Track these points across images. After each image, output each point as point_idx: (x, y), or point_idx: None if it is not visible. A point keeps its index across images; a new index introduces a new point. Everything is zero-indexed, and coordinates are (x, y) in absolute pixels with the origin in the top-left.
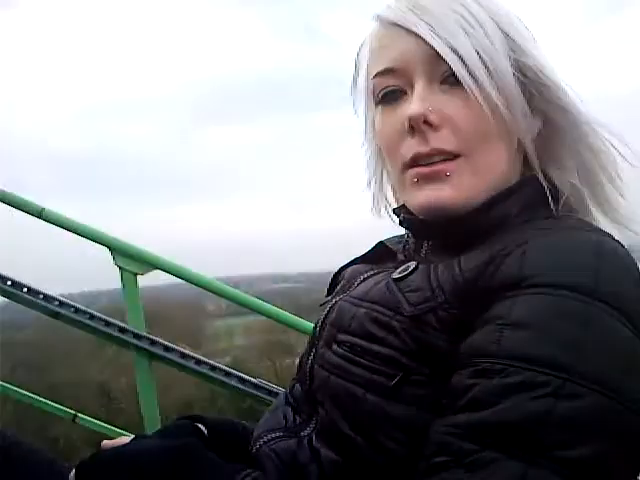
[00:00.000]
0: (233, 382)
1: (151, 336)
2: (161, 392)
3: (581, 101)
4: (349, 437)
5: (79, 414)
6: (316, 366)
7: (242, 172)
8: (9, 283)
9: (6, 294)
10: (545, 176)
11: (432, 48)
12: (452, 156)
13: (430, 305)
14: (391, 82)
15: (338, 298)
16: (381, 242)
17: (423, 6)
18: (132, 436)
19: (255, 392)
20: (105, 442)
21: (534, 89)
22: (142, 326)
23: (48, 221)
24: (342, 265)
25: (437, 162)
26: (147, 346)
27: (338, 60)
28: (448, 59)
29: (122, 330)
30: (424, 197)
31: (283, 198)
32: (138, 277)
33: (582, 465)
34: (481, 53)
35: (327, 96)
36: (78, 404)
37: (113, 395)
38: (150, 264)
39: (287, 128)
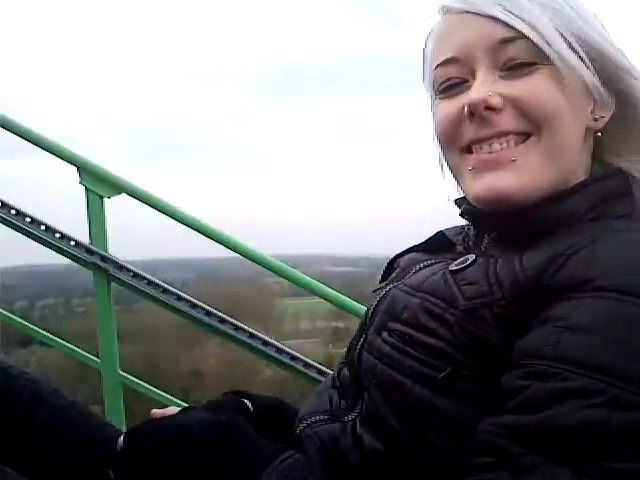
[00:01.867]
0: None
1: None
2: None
3: None
4: (393, 427)
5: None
6: (365, 352)
7: (307, 150)
8: None
9: None
10: (618, 170)
11: (507, 28)
12: (523, 136)
13: (486, 300)
14: (452, 73)
15: (392, 286)
16: (441, 232)
17: None
18: (181, 407)
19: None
20: (154, 411)
21: (607, 73)
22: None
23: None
24: (398, 252)
25: (502, 148)
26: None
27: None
28: (530, 35)
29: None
30: (484, 185)
31: (334, 180)
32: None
33: (634, 479)
34: (560, 30)
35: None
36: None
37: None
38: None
39: (356, 108)
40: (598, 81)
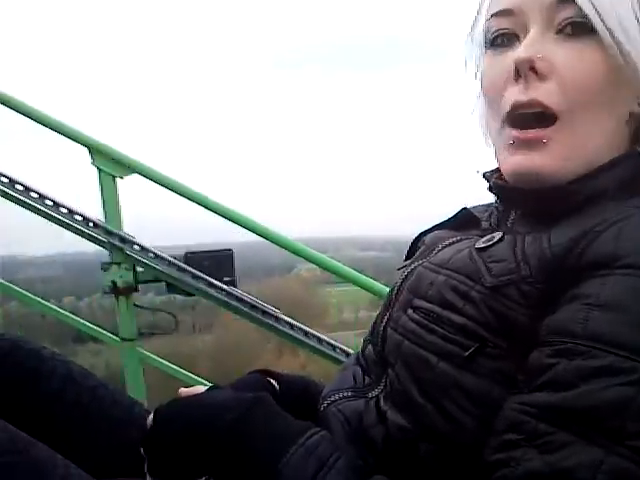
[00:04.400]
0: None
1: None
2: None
3: None
4: (418, 403)
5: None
6: (389, 329)
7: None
8: None
9: None
10: None
11: None
12: (551, 119)
13: (513, 278)
14: (505, 24)
15: (417, 263)
16: (465, 208)
17: None
18: (208, 385)
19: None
20: (182, 390)
21: None
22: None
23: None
24: (423, 230)
25: (534, 127)
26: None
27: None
28: (581, 3)
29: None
30: (516, 161)
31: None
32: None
33: None
34: (613, 3)
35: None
36: None
37: None
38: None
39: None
40: None
